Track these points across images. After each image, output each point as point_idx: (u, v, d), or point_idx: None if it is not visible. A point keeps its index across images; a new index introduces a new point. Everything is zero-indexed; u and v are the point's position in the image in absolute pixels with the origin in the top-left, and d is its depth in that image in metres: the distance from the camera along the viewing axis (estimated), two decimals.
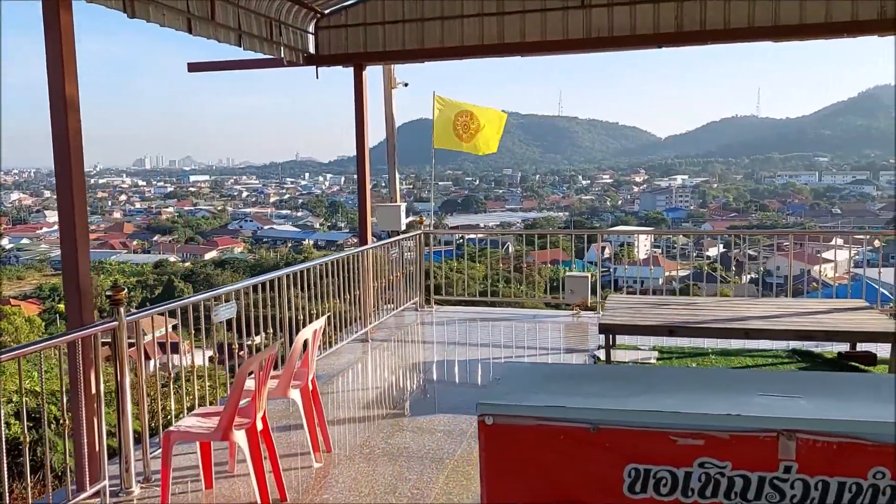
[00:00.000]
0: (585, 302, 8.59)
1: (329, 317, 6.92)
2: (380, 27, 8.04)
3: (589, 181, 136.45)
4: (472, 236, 17.66)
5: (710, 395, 2.49)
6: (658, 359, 6.54)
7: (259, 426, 3.79)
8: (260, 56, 7.45)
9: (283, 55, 7.63)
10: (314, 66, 8.21)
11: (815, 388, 2.66)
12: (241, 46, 6.94)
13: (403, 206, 8.79)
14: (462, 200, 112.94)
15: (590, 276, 8.73)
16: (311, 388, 4.45)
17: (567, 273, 8.88)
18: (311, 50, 8.22)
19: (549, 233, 14.50)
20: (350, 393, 5.87)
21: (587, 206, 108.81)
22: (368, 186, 7.90)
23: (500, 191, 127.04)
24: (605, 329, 5.90)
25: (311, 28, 8.18)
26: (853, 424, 2.14)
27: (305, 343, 4.34)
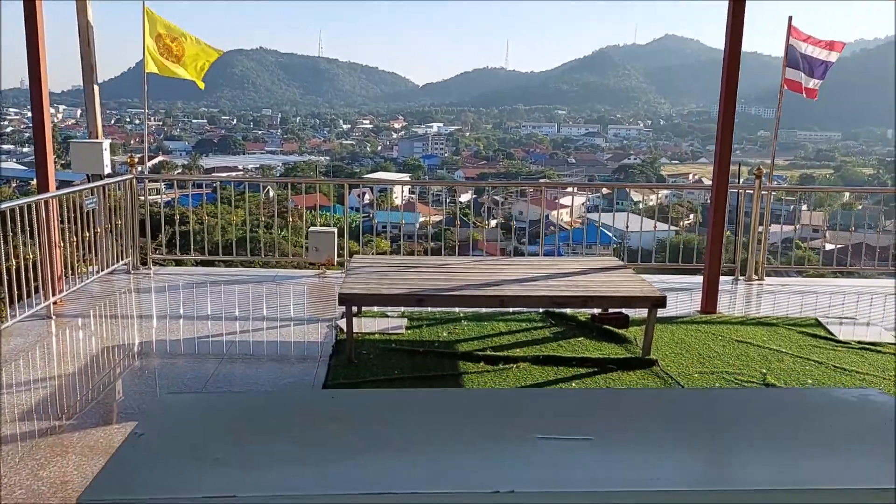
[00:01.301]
0: (332, 260, 7.64)
1: None
2: None
3: (350, 126, 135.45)
4: (199, 181, 15.98)
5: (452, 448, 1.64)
6: (408, 327, 5.78)
7: None
8: None
9: None
10: None
11: (606, 419, 1.91)
12: None
13: (106, 143, 7.12)
14: (219, 141, 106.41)
15: (336, 231, 7.76)
16: None
17: (311, 228, 7.83)
18: None
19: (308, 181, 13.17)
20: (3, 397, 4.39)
21: (348, 151, 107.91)
22: (47, 115, 6.17)
23: (260, 132, 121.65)
24: (346, 300, 4.97)
25: None
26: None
27: None
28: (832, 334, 5.74)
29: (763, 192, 7.67)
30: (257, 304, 6.65)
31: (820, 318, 6.19)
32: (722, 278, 7.38)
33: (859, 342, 5.54)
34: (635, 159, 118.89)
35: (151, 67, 7.40)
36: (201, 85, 7.91)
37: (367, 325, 5.74)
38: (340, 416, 1.81)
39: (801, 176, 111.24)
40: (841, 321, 6.14)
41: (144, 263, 7.74)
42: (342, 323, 5.84)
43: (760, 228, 7.71)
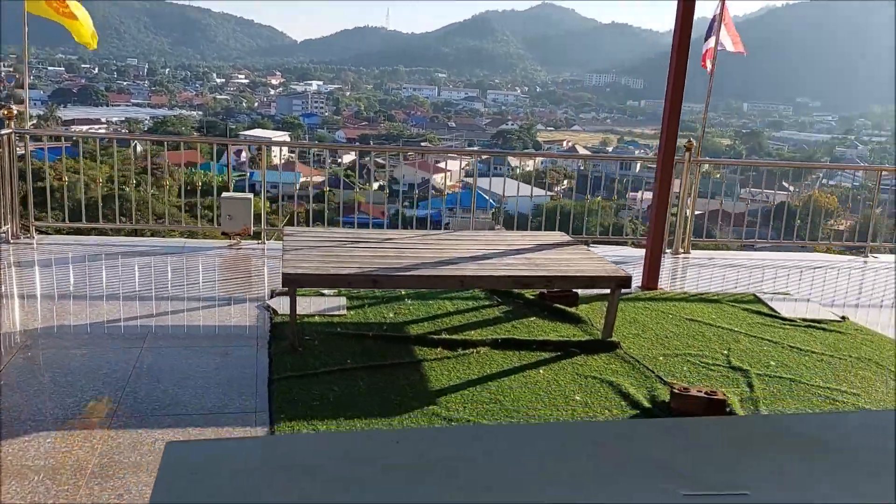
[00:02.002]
0: (248, 229, 6.96)
1: None
2: None
3: (224, 80, 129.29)
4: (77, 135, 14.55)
5: None
6: (349, 307, 5.30)
7: None
8: None
9: None
10: None
11: (741, 464, 1.56)
12: None
13: None
14: (78, 91, 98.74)
15: (252, 197, 7.08)
16: None
17: (223, 194, 7.09)
18: None
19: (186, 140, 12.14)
20: None
21: (222, 107, 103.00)
22: None
23: (125, 83, 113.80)
24: (291, 281, 4.43)
25: None
26: None
27: None
28: (775, 311, 5.76)
29: (692, 164, 7.64)
30: (168, 280, 5.92)
31: (757, 294, 6.21)
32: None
33: (803, 319, 5.57)
34: (513, 125, 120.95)
35: (36, 9, 6.38)
36: (94, 45, 6.94)
37: (303, 305, 5.20)
38: (419, 464, 1.36)
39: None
40: (775, 297, 6.19)
41: (27, 231, 6.77)
42: (274, 303, 5.29)
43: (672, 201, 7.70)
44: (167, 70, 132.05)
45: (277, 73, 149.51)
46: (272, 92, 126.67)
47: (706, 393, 3.90)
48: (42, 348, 4.39)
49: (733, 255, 8.17)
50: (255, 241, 7.11)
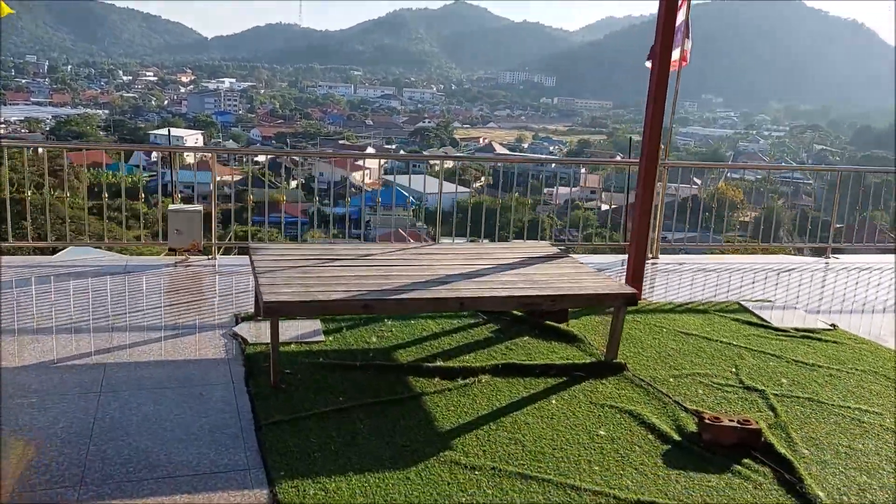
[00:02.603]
0: (198, 244, 6.35)
1: None
2: None
3: (131, 77, 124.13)
4: None
5: None
6: (325, 331, 4.82)
7: None
8: None
9: None
10: None
11: None
12: None
13: None
14: None
15: (201, 209, 6.46)
16: None
17: (170, 207, 6.44)
18: None
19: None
20: None
21: (130, 105, 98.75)
22: None
23: (24, 80, 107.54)
24: (274, 310, 3.92)
25: None
26: None
27: None
28: (765, 321, 5.60)
29: (660, 168, 7.46)
30: (115, 305, 5.28)
31: (742, 303, 6.06)
32: (618, 258, 7.16)
33: (796, 329, 5.43)
34: (430, 122, 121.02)
35: None
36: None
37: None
38: None
39: (580, 141, 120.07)
40: (760, 305, 6.04)
41: None
42: (242, 331, 4.76)
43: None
44: (69, 67, 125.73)
45: (188, 70, 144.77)
46: (183, 90, 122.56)
47: (739, 422, 3.63)
48: None
49: (701, 260, 8.06)
50: (205, 257, 6.50)
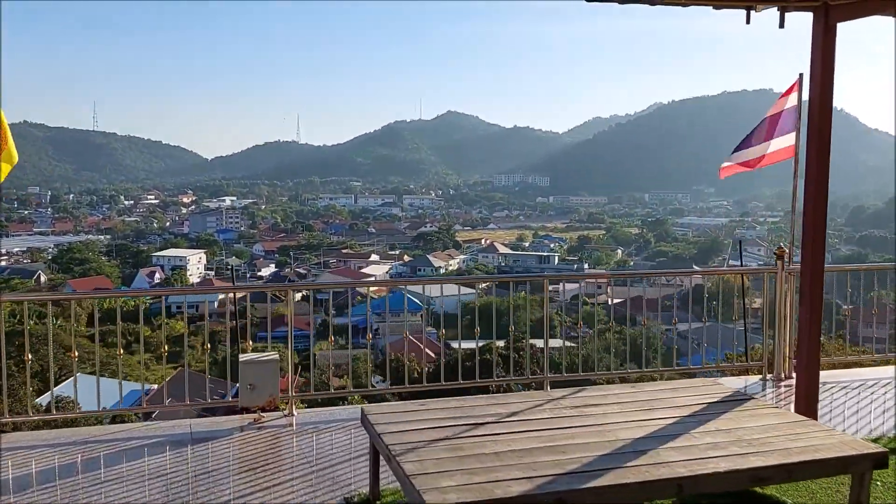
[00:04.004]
0: (275, 400, 5.25)
1: None
2: None
3: (132, 202, 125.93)
4: None
5: None
6: None
7: None
8: None
9: None
10: None
11: None
12: None
13: None
14: None
15: (277, 356, 5.36)
16: None
17: (243, 358, 5.33)
18: None
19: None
20: None
21: (132, 229, 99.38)
22: None
23: (26, 212, 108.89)
24: None
25: None
26: None
27: None
28: None
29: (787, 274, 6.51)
30: (190, 491, 4.08)
31: None
32: (747, 379, 6.08)
33: None
34: (432, 227, 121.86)
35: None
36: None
37: None
38: None
39: (579, 237, 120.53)
40: None
41: None
42: None
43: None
44: (71, 196, 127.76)
45: (189, 191, 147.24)
46: (184, 210, 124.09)
47: None
48: None
49: (845, 374, 6.91)
50: (279, 413, 5.40)
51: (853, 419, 5.52)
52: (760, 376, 6.63)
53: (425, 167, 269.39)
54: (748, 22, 4.69)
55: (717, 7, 4.62)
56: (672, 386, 5.03)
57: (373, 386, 7.55)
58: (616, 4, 4.40)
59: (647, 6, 4.51)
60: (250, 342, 6.01)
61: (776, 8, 4.80)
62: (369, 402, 6.04)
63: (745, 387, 6.24)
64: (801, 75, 6.63)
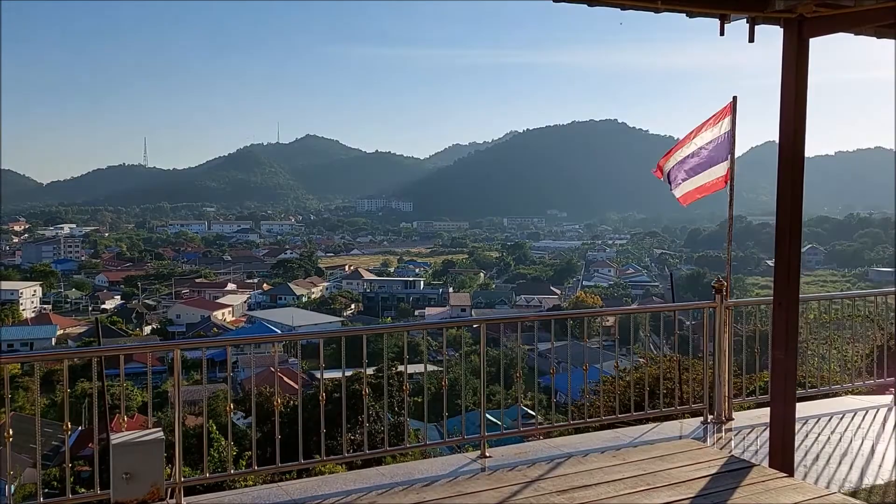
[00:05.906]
0: (160, 489, 3.81)
1: None
2: None
3: None
4: None
5: None
6: None
7: None
8: None
9: None
10: None
11: None
12: None
13: None
14: None
15: (161, 433, 3.91)
16: None
17: (115, 438, 3.90)
18: None
19: None
20: None
21: None
22: None
23: None
24: None
25: None
26: None
27: None
28: None
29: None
30: None
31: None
32: (685, 423, 5.26)
33: None
34: (292, 253, 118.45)
35: None
36: None
37: None
38: None
39: (444, 261, 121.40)
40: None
41: None
42: None
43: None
44: None
45: (21, 219, 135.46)
46: (16, 239, 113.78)
47: None
48: None
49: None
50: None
51: (826, 470, 4.83)
52: (700, 419, 5.93)
53: (284, 192, 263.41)
54: (722, 33, 3.97)
55: (690, 15, 3.91)
56: (659, 453, 4.51)
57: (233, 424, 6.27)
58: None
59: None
60: (124, 417, 4.62)
61: (745, 20, 4.11)
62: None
63: (690, 432, 5.54)
64: (734, 98, 6.02)
